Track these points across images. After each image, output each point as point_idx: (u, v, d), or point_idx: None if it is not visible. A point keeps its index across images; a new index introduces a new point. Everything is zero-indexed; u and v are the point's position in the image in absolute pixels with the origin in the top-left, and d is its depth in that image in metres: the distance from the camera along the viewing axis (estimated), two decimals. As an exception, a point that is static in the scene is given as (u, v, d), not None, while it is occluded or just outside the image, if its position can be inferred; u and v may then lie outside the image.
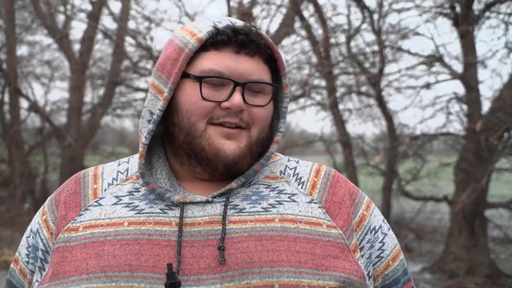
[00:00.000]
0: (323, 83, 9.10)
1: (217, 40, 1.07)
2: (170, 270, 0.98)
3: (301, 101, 9.71)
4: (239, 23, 1.11)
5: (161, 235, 1.03)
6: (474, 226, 7.28)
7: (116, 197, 1.11)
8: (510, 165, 7.33)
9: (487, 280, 6.80)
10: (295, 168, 1.17)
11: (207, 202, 1.07)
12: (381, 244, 1.14)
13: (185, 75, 1.08)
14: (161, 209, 1.07)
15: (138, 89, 11.00)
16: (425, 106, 7.82)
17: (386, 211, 8.62)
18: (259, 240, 1.03)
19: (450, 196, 8.18)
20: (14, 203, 10.40)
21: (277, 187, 1.12)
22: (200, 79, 1.06)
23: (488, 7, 7.05)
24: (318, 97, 9.78)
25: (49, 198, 1.19)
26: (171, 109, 1.10)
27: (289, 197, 1.10)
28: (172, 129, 1.10)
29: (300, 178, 1.15)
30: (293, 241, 1.03)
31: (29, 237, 1.16)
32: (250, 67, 1.08)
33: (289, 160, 1.19)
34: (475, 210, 7.19)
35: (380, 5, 7.54)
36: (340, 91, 9.06)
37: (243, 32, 1.08)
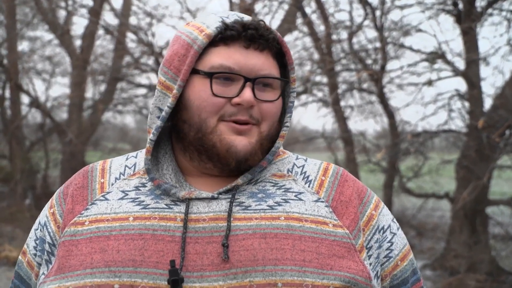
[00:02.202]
0: (325, 79, 9.09)
1: (227, 35, 1.06)
2: (173, 267, 0.98)
3: (303, 97, 9.71)
4: (246, 17, 1.10)
5: (165, 230, 1.03)
6: (475, 223, 7.29)
7: (123, 191, 1.10)
8: (512, 163, 7.33)
9: (488, 277, 6.80)
10: (303, 166, 1.16)
11: (213, 198, 1.06)
12: (389, 244, 1.13)
13: (194, 71, 1.07)
14: (166, 205, 1.06)
15: (139, 85, 11.00)
16: (427, 103, 7.83)
17: (387, 208, 8.60)
18: (263, 238, 1.02)
19: (452, 193, 8.18)
20: (15, 199, 10.42)
21: (283, 185, 1.11)
22: (210, 75, 1.05)
23: (490, 4, 7.03)
24: (320, 94, 9.78)
25: (57, 191, 1.19)
26: (180, 106, 1.09)
27: (295, 196, 1.09)
28: (181, 125, 1.09)
29: (308, 177, 1.14)
30: (298, 240, 1.03)
31: (37, 229, 1.16)
32: (260, 62, 1.07)
33: (297, 158, 1.18)
34: (476, 207, 7.19)
35: (383, 2, 7.52)
36: (342, 87, 9.06)
37: (252, 27, 1.06)
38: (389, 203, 8.84)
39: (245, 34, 1.06)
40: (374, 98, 9.16)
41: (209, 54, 1.07)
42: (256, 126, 1.07)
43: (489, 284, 6.68)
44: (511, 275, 7.07)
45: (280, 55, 1.12)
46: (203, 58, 1.07)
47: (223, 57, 1.06)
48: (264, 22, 1.09)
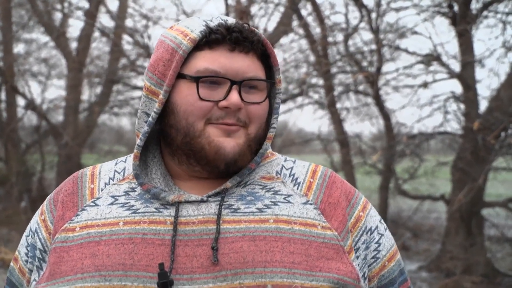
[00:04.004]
0: (320, 81, 9.09)
1: (211, 39, 1.06)
2: (162, 270, 0.98)
3: (299, 99, 9.72)
4: (230, 20, 1.10)
5: (155, 234, 1.03)
6: (471, 225, 7.30)
7: (113, 197, 1.11)
8: (507, 164, 7.34)
9: (483, 279, 6.81)
10: (292, 168, 1.16)
11: (202, 201, 1.06)
12: (377, 245, 1.13)
13: (179, 76, 1.07)
14: (156, 208, 1.07)
15: (135, 87, 10.99)
16: (423, 105, 7.85)
17: (383, 210, 8.63)
18: (253, 240, 1.02)
19: (447, 195, 8.19)
20: (10, 201, 10.40)
21: (272, 188, 1.11)
22: (196, 80, 1.05)
23: (486, 6, 7.06)
24: (316, 96, 9.79)
25: (48, 197, 1.19)
26: (166, 110, 1.08)
27: (284, 198, 1.09)
28: (169, 130, 1.09)
29: (296, 179, 1.14)
30: (287, 242, 1.03)
31: (28, 236, 1.17)
32: (245, 65, 1.07)
33: (286, 160, 1.18)
34: (472, 209, 7.20)
35: (378, 4, 7.54)
36: (338, 89, 9.06)
37: (237, 30, 1.06)
38: (385, 205, 8.85)
39: (229, 37, 1.06)
40: (370, 100, 9.18)
41: (194, 58, 1.07)
42: (244, 128, 1.07)
43: (484, 286, 6.69)
44: (507, 277, 7.08)
45: (266, 57, 1.12)
46: (188, 62, 1.07)
47: (209, 61, 1.06)
48: (248, 24, 1.10)
